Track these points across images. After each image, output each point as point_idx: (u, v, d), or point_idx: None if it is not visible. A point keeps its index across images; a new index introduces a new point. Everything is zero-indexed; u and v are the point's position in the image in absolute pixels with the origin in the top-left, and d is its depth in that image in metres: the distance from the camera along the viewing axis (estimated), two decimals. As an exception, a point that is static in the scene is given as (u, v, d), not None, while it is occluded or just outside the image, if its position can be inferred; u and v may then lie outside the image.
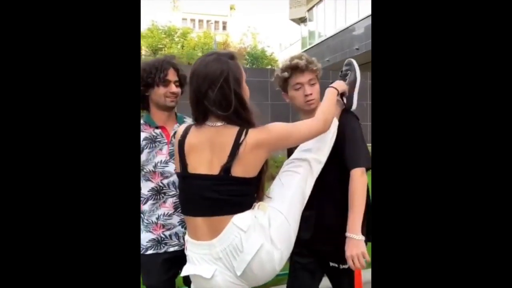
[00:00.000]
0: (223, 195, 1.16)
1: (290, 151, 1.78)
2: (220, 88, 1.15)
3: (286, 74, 1.58)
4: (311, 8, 15.74)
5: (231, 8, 38.89)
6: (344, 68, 1.68)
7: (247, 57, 23.73)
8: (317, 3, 15.19)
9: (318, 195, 1.51)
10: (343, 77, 1.64)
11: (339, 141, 1.51)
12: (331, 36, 13.98)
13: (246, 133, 1.16)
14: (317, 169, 1.44)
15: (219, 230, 1.17)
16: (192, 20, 37.55)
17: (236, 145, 1.15)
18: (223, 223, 1.17)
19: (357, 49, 11.95)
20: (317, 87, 1.59)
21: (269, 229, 1.21)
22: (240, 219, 1.17)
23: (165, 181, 1.52)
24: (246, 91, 1.24)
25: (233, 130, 1.17)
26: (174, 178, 1.50)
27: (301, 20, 16.80)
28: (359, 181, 1.47)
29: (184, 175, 1.22)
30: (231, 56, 1.25)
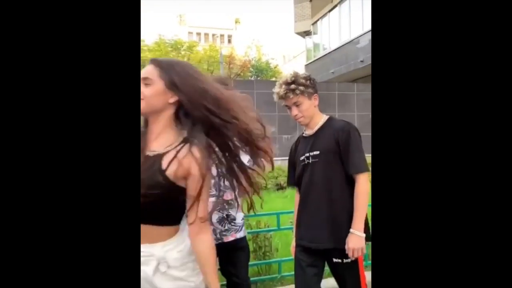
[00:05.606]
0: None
1: (292, 162, 1.87)
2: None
3: (275, 98, 1.81)
4: (316, 22, 15.86)
5: (236, 22, 39.32)
6: None
7: (252, 70, 23.90)
8: (322, 17, 15.30)
9: (317, 195, 1.69)
10: None
11: (345, 147, 1.67)
12: (335, 49, 14.05)
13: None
14: None
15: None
16: (198, 34, 37.89)
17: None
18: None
19: (361, 61, 11.80)
20: (303, 106, 1.75)
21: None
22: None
23: None
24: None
25: None
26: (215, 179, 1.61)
27: (306, 33, 16.89)
28: (366, 185, 1.63)
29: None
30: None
